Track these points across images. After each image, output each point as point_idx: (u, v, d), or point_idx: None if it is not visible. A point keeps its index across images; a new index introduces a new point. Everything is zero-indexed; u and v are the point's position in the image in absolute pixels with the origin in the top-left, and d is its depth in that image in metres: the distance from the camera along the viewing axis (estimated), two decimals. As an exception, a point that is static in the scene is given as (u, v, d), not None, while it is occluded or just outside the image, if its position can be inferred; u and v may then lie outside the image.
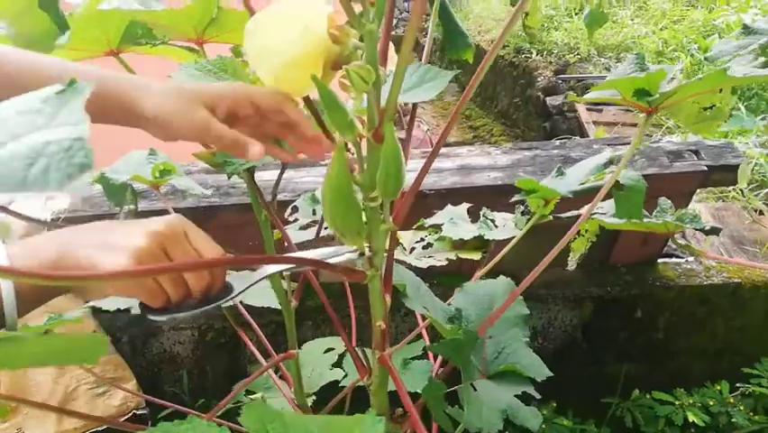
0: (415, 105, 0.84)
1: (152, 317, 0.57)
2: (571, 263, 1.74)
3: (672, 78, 0.79)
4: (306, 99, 0.66)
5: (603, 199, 0.87)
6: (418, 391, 0.80)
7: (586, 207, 1.00)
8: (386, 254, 0.68)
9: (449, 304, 0.88)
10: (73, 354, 0.45)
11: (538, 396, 0.77)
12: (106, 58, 0.79)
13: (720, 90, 0.79)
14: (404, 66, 0.49)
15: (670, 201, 0.97)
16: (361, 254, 0.65)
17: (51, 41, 0.68)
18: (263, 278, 0.64)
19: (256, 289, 0.99)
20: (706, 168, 1.53)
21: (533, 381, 0.80)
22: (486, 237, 1.04)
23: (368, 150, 0.58)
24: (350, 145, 0.60)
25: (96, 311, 1.22)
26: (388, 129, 0.54)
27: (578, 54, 4.46)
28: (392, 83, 0.50)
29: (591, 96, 0.84)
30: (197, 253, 0.57)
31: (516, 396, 0.76)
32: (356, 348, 0.81)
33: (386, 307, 0.68)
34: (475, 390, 0.74)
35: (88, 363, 0.49)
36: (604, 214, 0.96)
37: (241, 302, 1.09)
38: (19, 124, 0.29)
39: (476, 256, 1.12)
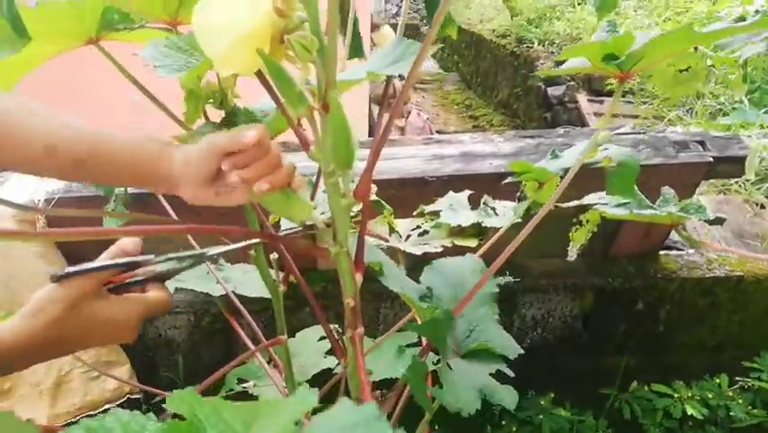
0: (397, 87, 0.81)
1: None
2: (572, 253, 1.73)
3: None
4: (261, 77, 0.64)
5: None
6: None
7: (589, 195, 0.98)
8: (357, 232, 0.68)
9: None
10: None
11: (512, 374, 0.76)
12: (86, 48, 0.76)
13: (696, 49, 0.75)
14: (334, 28, 0.51)
15: (673, 191, 0.95)
16: (308, 227, 0.67)
17: (11, 46, 0.64)
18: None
19: (248, 278, 0.97)
20: (711, 159, 1.50)
21: (506, 359, 0.79)
22: (484, 225, 1.02)
23: (321, 124, 0.57)
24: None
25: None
26: (332, 97, 0.53)
27: (580, 45, 4.42)
28: (326, 46, 0.50)
29: (563, 67, 0.81)
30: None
31: (491, 375, 0.76)
32: (337, 331, 0.79)
33: (356, 285, 0.67)
34: (450, 368, 0.74)
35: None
36: (606, 204, 0.94)
37: (233, 291, 1.08)
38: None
39: (472, 243, 1.10)
